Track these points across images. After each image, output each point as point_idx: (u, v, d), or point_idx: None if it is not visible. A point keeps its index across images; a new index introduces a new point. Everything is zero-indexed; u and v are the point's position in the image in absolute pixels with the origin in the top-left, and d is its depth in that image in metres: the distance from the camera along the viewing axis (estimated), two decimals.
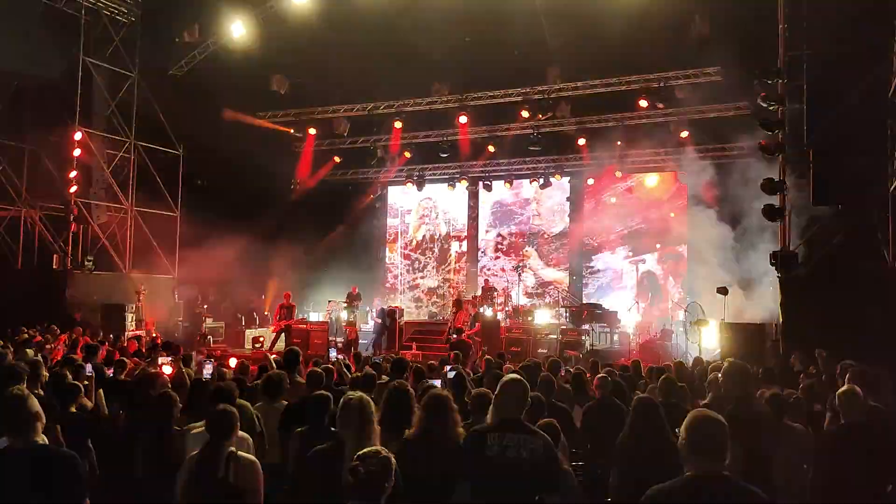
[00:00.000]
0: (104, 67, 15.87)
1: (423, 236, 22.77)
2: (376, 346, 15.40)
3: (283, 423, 4.84)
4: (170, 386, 5.14)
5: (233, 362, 8.02)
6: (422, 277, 22.57)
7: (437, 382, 5.99)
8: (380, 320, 15.69)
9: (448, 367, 7.72)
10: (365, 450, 2.89)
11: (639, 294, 18.72)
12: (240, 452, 3.53)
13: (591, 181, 19.91)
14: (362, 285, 18.62)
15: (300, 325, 16.10)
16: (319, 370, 5.40)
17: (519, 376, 3.71)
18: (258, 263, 18.04)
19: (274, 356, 9.61)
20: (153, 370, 6.11)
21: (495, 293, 17.75)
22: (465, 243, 22.02)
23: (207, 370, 5.72)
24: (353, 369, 7.47)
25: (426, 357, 12.60)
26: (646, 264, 19.21)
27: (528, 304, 19.06)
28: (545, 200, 21.10)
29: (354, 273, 20.42)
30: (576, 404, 6.21)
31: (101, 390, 6.27)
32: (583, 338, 14.72)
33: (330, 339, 15.13)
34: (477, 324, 14.19)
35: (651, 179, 19.49)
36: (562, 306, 17.88)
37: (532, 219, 21.36)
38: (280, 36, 16.12)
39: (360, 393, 3.71)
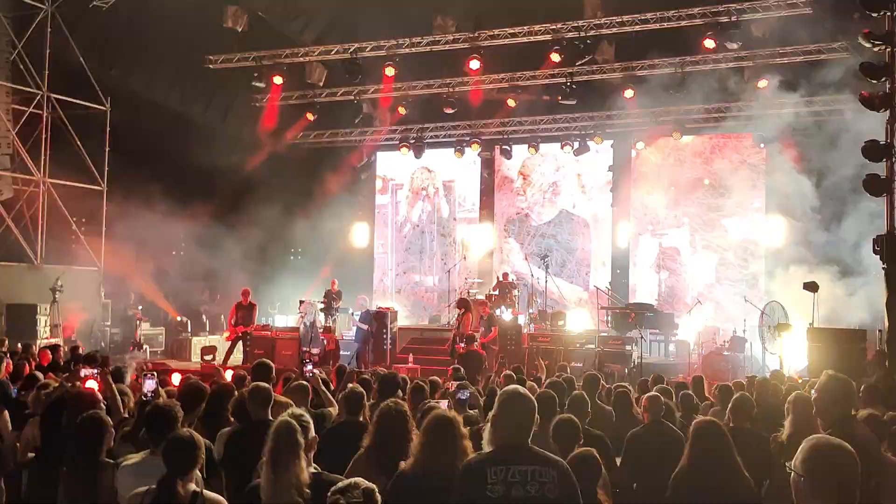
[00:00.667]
0: None
1: (423, 217, 22.82)
2: (361, 358, 15.48)
3: (226, 453, 4.92)
4: (101, 406, 5.18)
5: (176, 379, 8.04)
6: (420, 271, 22.66)
7: (443, 404, 6.04)
8: (366, 326, 15.76)
9: (455, 384, 7.76)
10: (344, 482, 2.98)
11: (701, 291, 18.74)
12: (206, 492, 3.58)
13: (640, 145, 19.86)
14: (344, 280, 18.69)
15: (263, 332, 16.16)
16: (264, 385, 5.48)
17: (521, 388, 3.73)
18: (209, 252, 18.15)
19: (230, 371, 9.67)
20: (77, 386, 6.16)
21: (515, 290, 17.79)
22: (475, 226, 22.07)
23: (148, 387, 5.77)
24: (333, 387, 7.52)
25: (426, 373, 12.66)
26: (712, 251, 19.19)
27: (558, 305, 19.09)
28: (537, 177, 21.34)
29: (333, 265, 20.48)
30: (619, 429, 6.29)
31: (5, 412, 6.34)
32: (628, 348, 14.77)
33: (303, 349, 15.20)
34: (493, 329, 14.24)
35: (719, 142, 19.42)
36: (602, 307, 17.92)
37: (515, 199, 21.58)
38: None
39: (293, 412, 3.84)
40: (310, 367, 7.00)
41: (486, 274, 20.96)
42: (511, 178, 21.87)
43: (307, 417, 4.08)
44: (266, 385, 5.54)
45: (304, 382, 6.49)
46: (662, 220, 19.83)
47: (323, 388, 6.79)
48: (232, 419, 5.50)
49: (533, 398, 3.67)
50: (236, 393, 5.88)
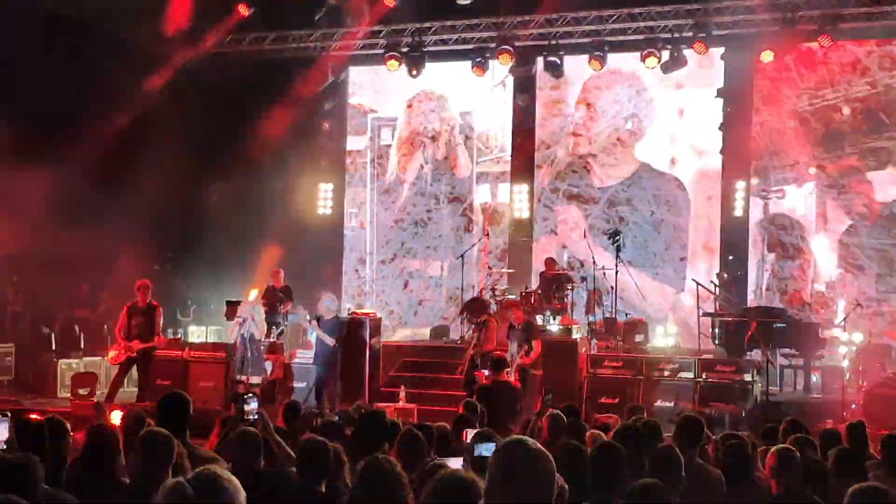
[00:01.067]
0: None
1: (425, 172, 22.79)
2: (326, 390, 15.47)
3: None
4: None
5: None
6: (419, 255, 22.72)
7: (456, 462, 6.09)
8: (332, 341, 15.74)
9: (470, 434, 7.79)
10: None
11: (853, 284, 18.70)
12: None
13: (767, 56, 19.71)
14: (296, 270, 18.69)
15: (171, 352, 16.15)
16: (159, 432, 5.53)
17: (528, 441, 3.68)
18: (83, 226, 18.10)
19: (118, 412, 9.70)
20: None
21: (568, 286, 17.71)
22: (506, 185, 22.10)
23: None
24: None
25: (427, 415, 12.63)
26: (865, 221, 19.13)
27: (636, 311, 19.07)
28: (609, 105, 21.35)
29: (278, 247, 20.37)
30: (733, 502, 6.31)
31: None
32: (747, 377, 14.78)
33: (238, 378, 15.19)
34: (535, 346, 14.19)
35: (889, 52, 19.27)
36: (705, 314, 17.88)
37: (571, 143, 21.59)
38: None
39: (199, 475, 3.81)
40: (254, 404, 7.01)
41: (523, 262, 20.95)
42: (562, 108, 21.83)
43: (222, 480, 3.98)
44: (163, 432, 5.58)
45: (251, 429, 6.51)
46: (788, 171, 19.77)
47: (276, 437, 6.81)
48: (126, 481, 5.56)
49: (548, 455, 3.51)
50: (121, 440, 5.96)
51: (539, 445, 3.56)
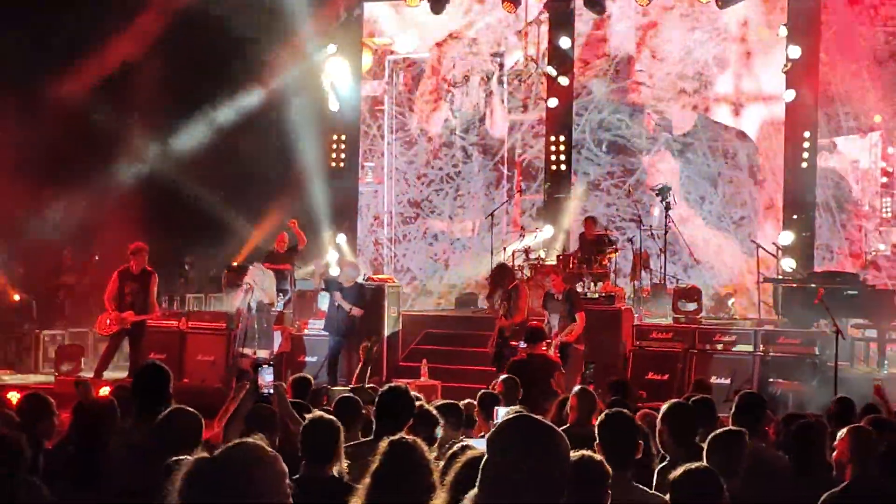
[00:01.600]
0: None
1: (451, 120, 22.68)
2: (336, 363, 15.48)
3: None
4: None
5: (16, 399, 8.25)
6: (444, 215, 22.71)
7: (481, 444, 6.07)
8: (349, 307, 15.73)
9: (502, 412, 7.78)
10: None
11: None
12: None
13: None
14: (308, 232, 18.69)
15: (166, 322, 16.26)
16: (191, 414, 5.50)
17: (533, 416, 3.58)
18: (68, 182, 18.09)
19: (107, 388, 9.75)
20: None
21: (610, 247, 17.66)
22: (541, 136, 21.99)
23: None
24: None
25: (450, 393, 12.59)
26: None
27: (689, 275, 19.02)
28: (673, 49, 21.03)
29: (283, 206, 20.39)
30: (799, 491, 6.25)
31: None
32: (815, 350, 14.72)
33: (241, 350, 15.23)
34: (579, 317, 14.09)
35: None
36: (765, 279, 17.80)
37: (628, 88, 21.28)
38: None
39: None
40: (269, 376, 6.96)
41: (560, 222, 20.84)
42: (605, 49, 21.67)
43: (265, 449, 3.77)
44: (191, 411, 5.54)
45: (267, 406, 6.50)
46: (863, 119, 19.64)
47: (294, 413, 6.77)
48: None
49: (557, 432, 3.25)
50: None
51: (545, 421, 3.39)
